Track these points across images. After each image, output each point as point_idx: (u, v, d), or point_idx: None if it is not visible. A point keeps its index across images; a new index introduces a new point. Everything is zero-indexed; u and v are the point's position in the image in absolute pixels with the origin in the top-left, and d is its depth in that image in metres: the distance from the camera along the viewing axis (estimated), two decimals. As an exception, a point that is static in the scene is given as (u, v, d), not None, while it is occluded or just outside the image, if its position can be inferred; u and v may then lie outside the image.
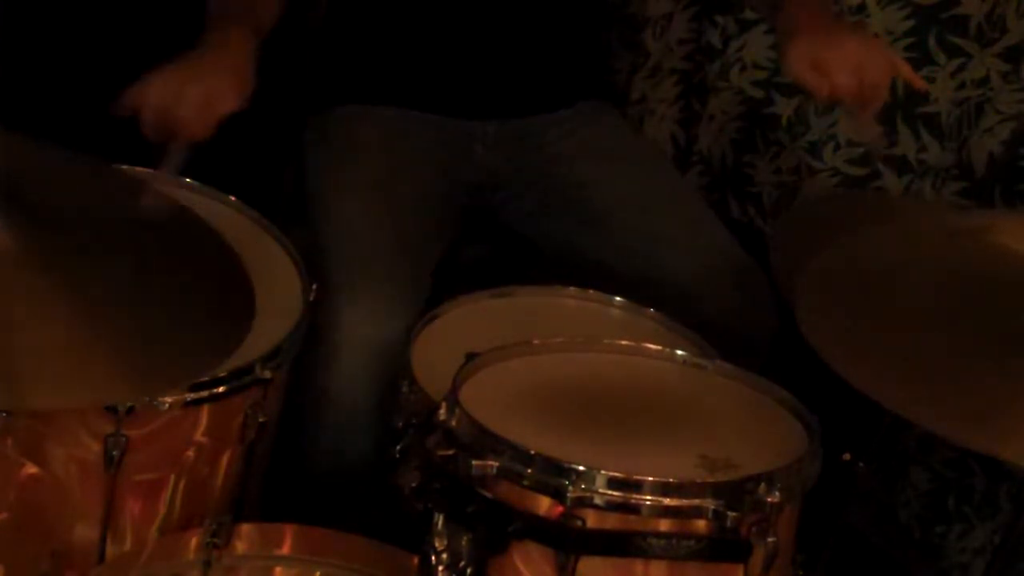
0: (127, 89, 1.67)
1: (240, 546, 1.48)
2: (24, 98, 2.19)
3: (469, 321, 1.72)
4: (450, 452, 1.35)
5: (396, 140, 1.95)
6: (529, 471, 1.32)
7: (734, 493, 1.32)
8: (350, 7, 2.03)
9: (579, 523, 1.31)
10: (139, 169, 1.64)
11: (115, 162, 1.62)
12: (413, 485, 1.38)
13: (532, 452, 1.32)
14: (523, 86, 2.05)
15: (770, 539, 1.33)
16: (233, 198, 1.81)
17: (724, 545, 1.32)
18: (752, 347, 1.87)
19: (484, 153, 2.05)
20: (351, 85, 2.04)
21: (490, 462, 1.33)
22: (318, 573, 1.49)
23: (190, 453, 1.56)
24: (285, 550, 1.50)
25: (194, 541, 1.48)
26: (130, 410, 1.48)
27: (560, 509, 1.31)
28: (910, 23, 2.27)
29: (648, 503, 1.31)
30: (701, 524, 1.32)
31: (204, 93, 1.66)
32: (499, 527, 1.33)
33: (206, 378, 1.51)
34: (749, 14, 2.38)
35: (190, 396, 1.51)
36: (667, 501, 1.31)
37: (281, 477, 1.75)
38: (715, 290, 1.89)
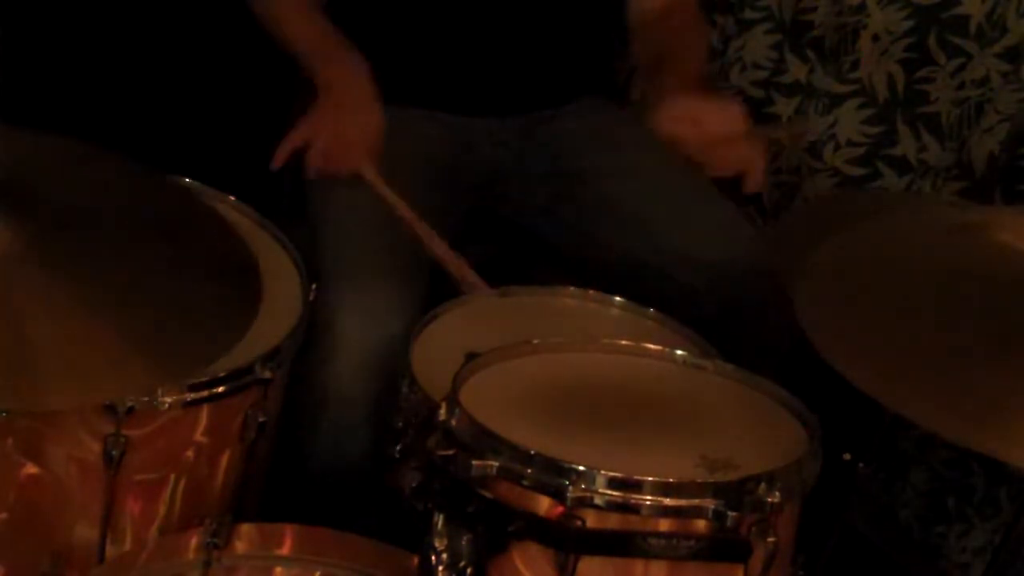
0: (286, 137, 1.86)
1: (240, 546, 1.48)
2: (28, 93, 2.19)
3: (469, 321, 1.72)
4: (450, 452, 1.34)
5: (398, 138, 1.95)
6: (529, 471, 1.32)
7: (734, 493, 1.31)
8: (352, 4, 2.03)
9: (579, 523, 1.30)
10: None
11: (120, 158, 1.62)
12: (413, 485, 1.38)
13: (532, 452, 1.32)
14: (527, 83, 2.05)
15: (770, 539, 1.33)
16: (233, 198, 1.81)
17: (724, 545, 1.32)
18: (766, 338, 1.87)
19: (488, 149, 2.05)
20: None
21: (490, 462, 1.33)
22: (318, 573, 1.48)
23: (190, 453, 1.56)
24: (285, 550, 1.50)
25: (194, 541, 1.48)
26: (130, 410, 1.48)
27: (560, 509, 1.31)
28: (910, 23, 2.27)
29: (648, 503, 1.31)
30: (701, 524, 1.32)
31: (360, 130, 1.87)
32: (499, 527, 1.33)
33: (206, 378, 1.51)
34: (749, 14, 2.38)
35: (190, 396, 1.51)
36: (667, 501, 1.31)
37: (281, 477, 1.75)
38: (729, 283, 1.88)
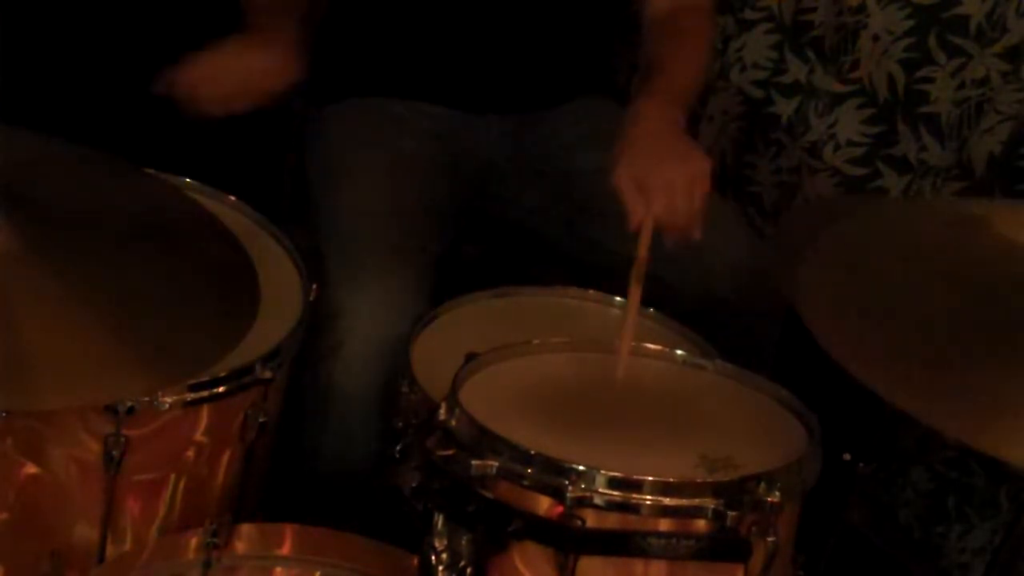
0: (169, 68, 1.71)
1: (240, 546, 1.48)
2: (27, 93, 2.19)
3: (469, 321, 1.72)
4: (450, 452, 1.35)
5: (397, 136, 1.95)
6: (529, 471, 1.32)
7: (734, 493, 1.32)
8: (352, 1, 2.03)
9: (579, 523, 1.31)
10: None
11: (120, 159, 1.62)
12: (413, 485, 1.38)
13: (532, 452, 1.32)
14: (526, 80, 2.05)
15: (770, 539, 1.33)
16: (233, 198, 1.81)
17: (724, 545, 1.32)
18: (761, 337, 1.87)
19: (486, 147, 2.05)
20: (353, 78, 2.04)
21: (490, 462, 1.33)
22: (318, 573, 1.48)
23: (190, 453, 1.56)
24: (285, 550, 1.50)
25: (194, 541, 1.48)
26: (130, 410, 1.48)
27: (560, 509, 1.31)
28: (910, 23, 2.27)
29: (648, 503, 1.31)
30: (701, 524, 1.32)
31: (249, 67, 1.73)
32: (499, 527, 1.33)
33: (206, 378, 1.51)
34: (749, 14, 2.38)
35: (190, 396, 1.51)
36: (667, 501, 1.31)
37: (281, 477, 1.75)
38: (724, 282, 1.88)
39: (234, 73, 1.75)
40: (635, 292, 1.62)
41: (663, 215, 1.68)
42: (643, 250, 1.65)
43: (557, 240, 2.04)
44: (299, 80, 1.78)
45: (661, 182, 1.68)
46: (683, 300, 1.80)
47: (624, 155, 1.72)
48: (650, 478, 1.31)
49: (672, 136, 1.78)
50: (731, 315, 1.84)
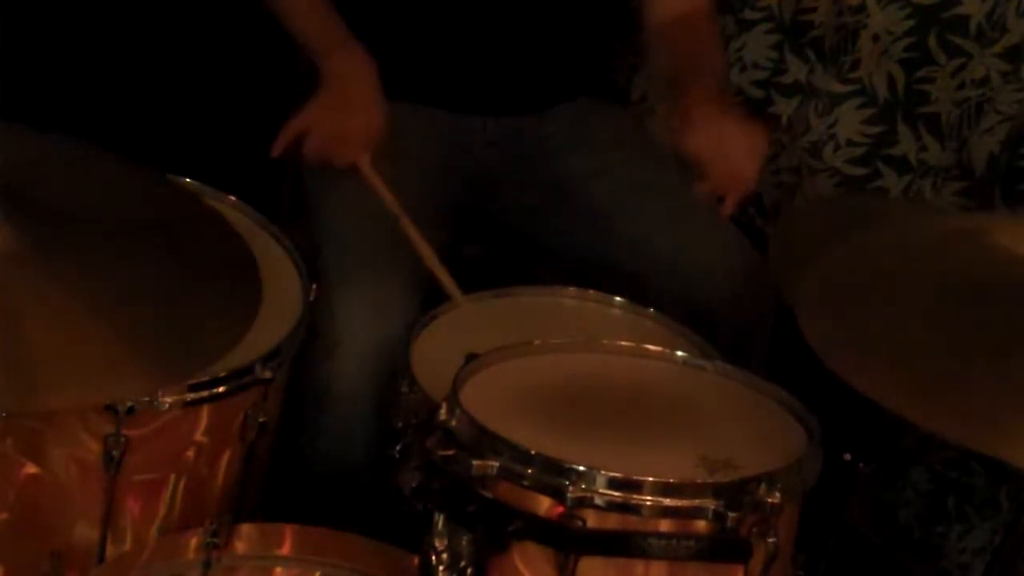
0: (287, 123, 1.84)
1: (240, 546, 1.48)
2: (28, 93, 2.19)
3: (469, 321, 1.72)
4: (450, 452, 1.34)
5: (394, 137, 1.95)
6: (529, 471, 1.32)
7: (734, 493, 1.32)
8: (352, 2, 2.03)
9: (579, 523, 1.30)
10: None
11: (120, 157, 1.62)
12: (413, 485, 1.37)
13: (532, 452, 1.32)
14: (524, 82, 2.05)
15: (770, 539, 1.33)
16: (233, 198, 1.81)
17: (724, 545, 1.32)
18: (755, 339, 1.87)
19: (482, 149, 2.05)
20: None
21: (490, 462, 1.33)
22: (318, 573, 1.48)
23: (190, 453, 1.56)
24: (285, 550, 1.50)
25: (194, 541, 1.48)
26: (130, 410, 1.48)
27: (560, 509, 1.31)
28: (910, 23, 2.27)
29: (648, 503, 1.31)
30: (701, 524, 1.32)
31: (362, 123, 1.86)
32: (499, 527, 1.33)
33: (206, 378, 1.51)
34: (749, 14, 2.38)
35: (190, 396, 1.51)
36: (667, 501, 1.31)
37: (281, 477, 1.75)
38: (718, 284, 1.88)
39: (353, 130, 1.86)
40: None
41: (737, 178, 1.81)
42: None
43: (553, 243, 2.04)
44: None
45: (728, 138, 1.81)
46: (676, 304, 1.80)
47: (687, 128, 1.82)
48: (650, 479, 1.31)
49: (726, 106, 1.88)
50: (724, 319, 1.84)
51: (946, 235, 1.52)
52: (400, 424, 1.53)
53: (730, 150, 1.80)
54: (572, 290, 1.82)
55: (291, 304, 1.67)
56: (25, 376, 1.22)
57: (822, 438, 1.43)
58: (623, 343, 1.59)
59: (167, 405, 1.49)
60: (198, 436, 1.56)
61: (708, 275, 1.89)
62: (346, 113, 1.86)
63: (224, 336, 1.35)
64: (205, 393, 1.52)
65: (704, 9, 2.03)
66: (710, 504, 1.31)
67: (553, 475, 1.31)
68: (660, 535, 1.31)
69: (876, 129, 2.34)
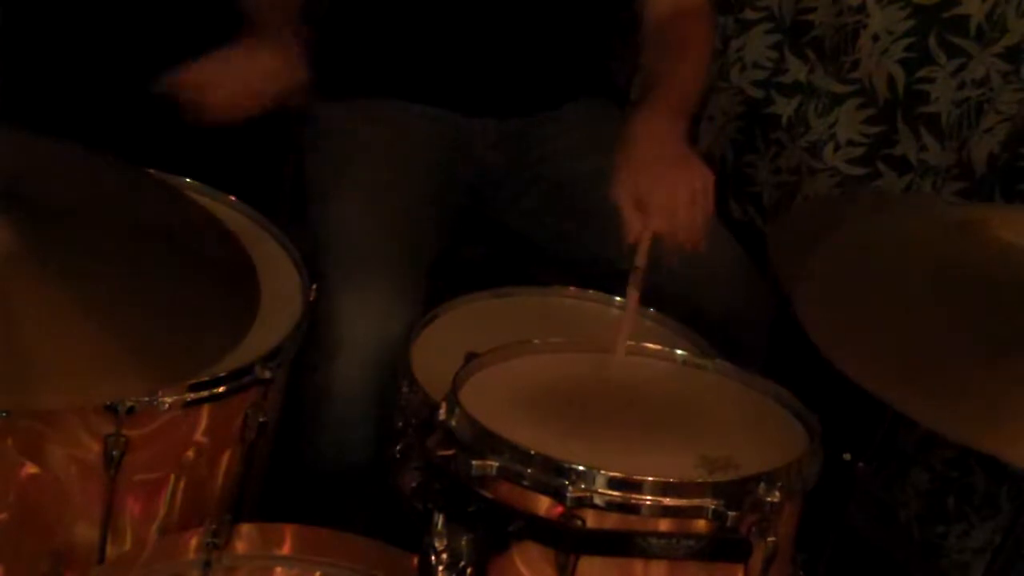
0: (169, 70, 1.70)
1: (240, 546, 1.48)
2: (27, 93, 2.19)
3: (469, 321, 1.72)
4: (450, 452, 1.34)
5: (395, 138, 1.95)
6: (529, 471, 1.32)
7: (734, 493, 1.31)
8: (355, 3, 2.03)
9: (579, 523, 1.30)
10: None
11: (120, 159, 1.62)
12: (413, 485, 1.38)
13: (532, 452, 1.32)
14: (524, 83, 2.05)
15: (770, 539, 1.33)
16: (233, 198, 1.81)
17: (724, 545, 1.32)
18: (751, 343, 1.87)
19: (483, 151, 2.05)
20: (351, 79, 2.04)
21: (490, 462, 1.33)
22: (318, 573, 1.48)
23: (190, 453, 1.56)
24: (285, 550, 1.50)
25: (194, 541, 1.48)
26: (130, 410, 1.48)
27: (560, 509, 1.31)
28: (910, 23, 2.27)
29: (648, 503, 1.31)
30: (701, 524, 1.32)
31: (253, 70, 1.72)
32: (499, 527, 1.33)
33: (206, 378, 1.51)
34: (749, 14, 2.38)
35: (190, 396, 1.51)
36: (667, 501, 1.31)
37: (281, 477, 1.75)
38: (714, 287, 1.88)
39: (238, 76, 1.73)
40: (632, 298, 1.62)
41: (664, 230, 1.67)
42: (641, 260, 1.65)
43: (552, 244, 2.04)
44: (303, 81, 1.77)
45: (662, 199, 1.67)
46: (675, 305, 1.80)
47: (623, 170, 1.71)
48: (650, 478, 1.31)
49: (673, 149, 1.76)
50: (722, 320, 1.83)
51: (946, 229, 1.51)
52: (400, 424, 1.53)
53: (660, 201, 1.67)
54: (572, 290, 1.82)
55: (291, 304, 1.67)
56: (25, 376, 1.22)
57: (822, 438, 1.43)
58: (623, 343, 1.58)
59: (167, 405, 1.49)
60: (198, 436, 1.56)
61: (706, 276, 1.89)
62: (233, 59, 1.74)
63: (224, 336, 1.35)
64: (205, 393, 1.52)
65: (701, 8, 2.03)
66: (710, 503, 1.31)
67: (553, 475, 1.31)
68: (660, 534, 1.31)
69: (876, 129, 2.34)
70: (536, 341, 1.56)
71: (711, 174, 1.72)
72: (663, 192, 1.67)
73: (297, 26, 1.83)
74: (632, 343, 1.58)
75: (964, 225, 1.51)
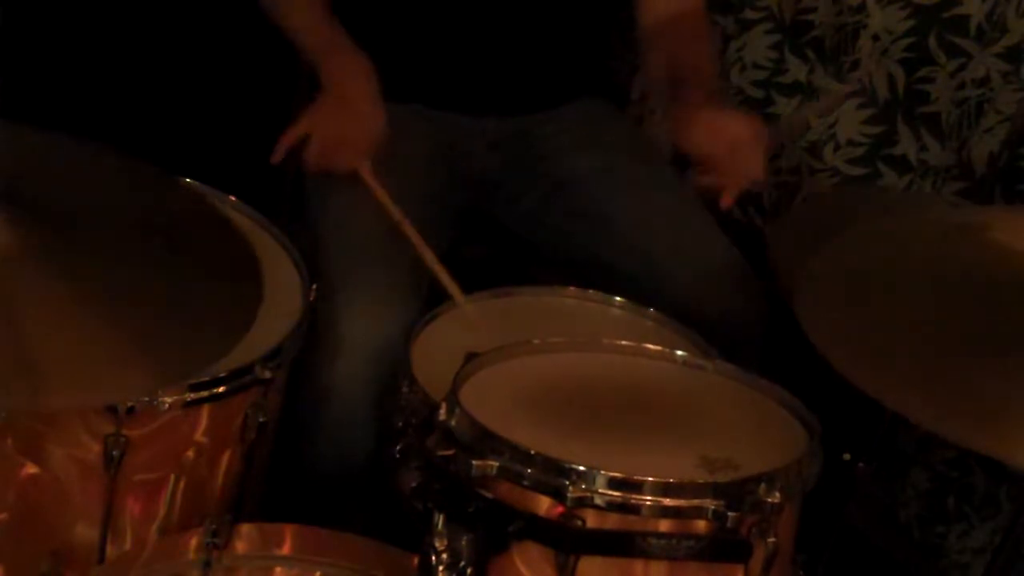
0: (287, 130, 1.83)
1: (240, 546, 1.48)
2: (28, 92, 2.19)
3: (469, 321, 1.72)
4: (450, 452, 1.34)
5: (395, 138, 1.95)
6: (529, 471, 1.32)
7: (734, 493, 1.31)
8: (353, 2, 2.03)
9: (579, 523, 1.30)
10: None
11: (121, 157, 1.62)
12: (413, 485, 1.38)
13: (532, 452, 1.32)
14: (523, 83, 2.05)
15: (770, 539, 1.33)
16: (233, 198, 1.81)
17: (724, 545, 1.32)
18: (748, 341, 1.87)
19: (482, 150, 2.05)
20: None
21: (490, 462, 1.33)
22: (318, 573, 1.48)
23: (190, 453, 1.56)
24: (285, 550, 1.50)
25: (194, 541, 1.48)
26: (130, 410, 1.48)
27: (560, 509, 1.31)
28: (910, 23, 2.27)
29: (648, 503, 1.31)
30: (701, 524, 1.32)
31: (361, 128, 1.86)
32: (499, 527, 1.33)
33: (206, 378, 1.51)
34: (749, 14, 2.38)
35: (190, 396, 1.51)
36: (667, 501, 1.31)
37: (281, 477, 1.75)
38: (710, 288, 1.89)
39: (351, 136, 1.85)
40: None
41: (730, 171, 1.80)
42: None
43: (552, 243, 2.04)
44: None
45: (729, 125, 1.81)
46: (674, 305, 1.80)
47: (689, 123, 1.83)
48: (650, 478, 1.31)
49: (720, 102, 1.90)
50: (720, 320, 1.83)
51: (946, 230, 1.51)
52: (400, 424, 1.53)
53: (732, 143, 1.79)
54: (572, 290, 1.82)
55: (291, 304, 1.67)
56: (26, 376, 1.22)
57: (822, 438, 1.43)
58: (623, 343, 1.58)
59: (167, 405, 1.49)
60: (198, 436, 1.56)
61: (705, 276, 1.89)
62: (346, 118, 1.86)
63: (224, 336, 1.35)
64: (205, 393, 1.52)
65: (697, 10, 2.04)
66: (710, 504, 1.31)
67: (553, 475, 1.31)
68: (660, 535, 1.31)
69: (876, 129, 2.34)
70: (536, 341, 1.56)
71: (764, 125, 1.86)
72: (738, 122, 1.82)
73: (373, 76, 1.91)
74: (632, 343, 1.58)
75: (964, 227, 1.51)
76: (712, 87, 1.92)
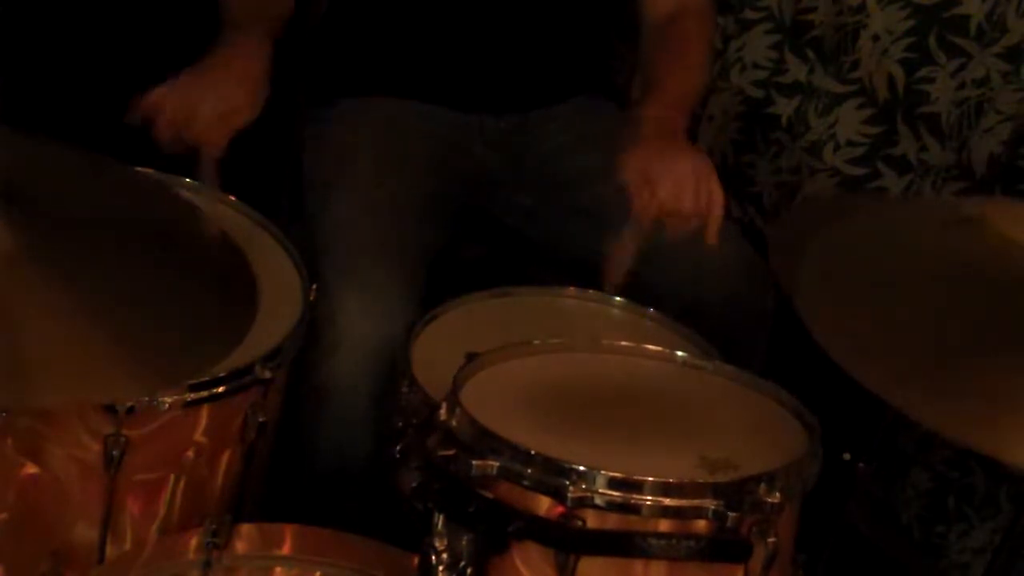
0: (140, 96, 1.69)
1: (240, 546, 1.48)
2: (28, 94, 2.19)
3: (469, 321, 1.72)
4: (450, 452, 1.34)
5: (394, 137, 1.95)
6: (529, 471, 1.32)
7: (734, 493, 1.31)
8: (350, 1, 2.03)
9: (579, 523, 1.30)
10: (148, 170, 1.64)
11: (120, 160, 1.62)
12: (413, 485, 1.37)
13: (532, 452, 1.32)
14: (522, 80, 2.05)
15: (770, 539, 1.33)
16: (233, 198, 1.81)
17: (724, 545, 1.32)
18: (754, 334, 1.87)
19: (481, 148, 2.05)
20: (351, 78, 2.04)
21: (490, 462, 1.33)
22: (318, 573, 1.48)
23: (190, 453, 1.56)
24: (285, 550, 1.50)
25: (194, 541, 1.48)
26: (130, 410, 1.48)
27: (560, 509, 1.31)
28: (910, 23, 2.27)
29: (648, 503, 1.31)
30: (701, 524, 1.32)
31: (219, 106, 1.70)
32: (499, 527, 1.33)
33: (206, 378, 1.51)
34: (749, 14, 2.38)
35: (190, 396, 1.51)
36: (667, 501, 1.31)
37: (281, 477, 1.75)
38: (715, 281, 1.88)
39: (208, 111, 1.71)
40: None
41: (669, 203, 1.72)
42: (639, 230, 1.73)
43: (551, 243, 2.04)
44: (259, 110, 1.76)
45: (667, 172, 1.73)
46: (674, 305, 1.80)
47: (632, 154, 1.76)
48: (651, 479, 1.31)
49: (679, 139, 1.83)
50: (721, 319, 1.84)
51: (944, 225, 1.51)
52: (400, 424, 1.53)
53: (675, 183, 1.73)
54: (572, 290, 1.82)
55: (291, 304, 1.67)
56: (25, 376, 1.22)
57: (822, 438, 1.43)
58: (623, 343, 1.59)
59: (167, 405, 1.49)
60: (198, 436, 1.56)
61: (706, 275, 1.89)
62: (200, 91, 1.71)
63: (224, 336, 1.35)
64: (205, 393, 1.52)
65: (702, 8, 2.03)
66: (710, 504, 1.31)
67: (553, 475, 1.31)
68: (660, 535, 1.31)
69: (876, 129, 2.34)
70: (536, 341, 1.56)
71: (709, 162, 1.77)
72: (671, 172, 1.73)
73: (276, 27, 1.82)
74: (632, 343, 1.58)
75: (965, 223, 1.51)
76: (673, 103, 1.86)
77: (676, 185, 1.72)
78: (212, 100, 1.71)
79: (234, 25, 1.81)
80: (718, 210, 1.74)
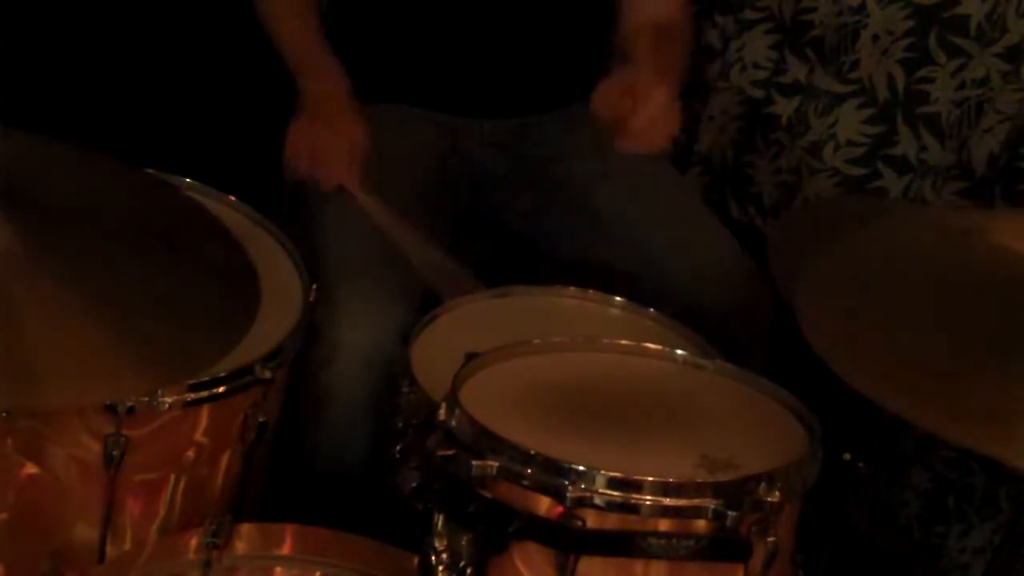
0: (286, 153, 1.88)
1: (240, 546, 1.48)
2: (27, 93, 2.19)
3: (469, 321, 1.72)
4: (450, 452, 1.34)
5: (394, 139, 1.95)
6: (529, 471, 1.32)
7: (734, 493, 1.31)
8: (352, 4, 2.03)
9: (579, 523, 1.30)
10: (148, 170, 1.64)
11: (121, 159, 1.62)
12: (413, 485, 1.38)
13: (532, 452, 1.32)
14: (522, 84, 2.05)
15: (770, 539, 1.33)
16: (233, 198, 1.81)
17: (724, 545, 1.32)
18: (752, 341, 1.87)
19: (481, 152, 2.05)
20: (351, 81, 2.04)
21: (490, 462, 1.33)
22: (318, 573, 1.49)
23: (190, 453, 1.56)
24: (285, 550, 1.50)
25: (194, 541, 1.48)
26: (130, 410, 1.48)
27: (560, 509, 1.31)
28: (910, 23, 2.27)
29: (648, 503, 1.31)
30: (701, 524, 1.32)
31: (338, 145, 1.87)
32: (499, 527, 1.33)
33: (206, 378, 1.51)
34: (749, 14, 2.38)
35: (190, 396, 1.51)
36: (667, 501, 1.31)
37: (281, 477, 1.75)
38: (714, 286, 1.89)
39: (338, 152, 1.87)
40: None
41: (638, 127, 1.77)
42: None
43: (551, 244, 2.05)
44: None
45: (650, 100, 1.78)
46: (673, 305, 1.80)
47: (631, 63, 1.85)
48: (650, 478, 1.31)
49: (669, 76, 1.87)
50: (721, 320, 1.84)
51: (945, 233, 1.51)
52: (400, 424, 1.53)
53: (641, 105, 1.78)
54: (572, 290, 1.82)
55: (291, 304, 1.67)
56: (25, 375, 1.22)
57: (822, 438, 1.43)
58: (623, 343, 1.59)
59: (167, 405, 1.49)
60: (198, 436, 1.56)
61: (705, 276, 1.90)
62: (324, 134, 1.87)
63: (224, 336, 1.35)
64: (205, 393, 1.52)
65: (679, 21, 2.03)
66: (710, 503, 1.31)
67: (553, 475, 1.31)
68: (660, 535, 1.31)
69: (876, 129, 2.34)
70: (536, 341, 1.56)
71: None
72: (654, 103, 1.78)
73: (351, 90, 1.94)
74: (632, 343, 1.58)
75: (964, 229, 1.51)
76: (661, 51, 1.91)
77: (650, 121, 1.77)
78: (333, 140, 1.87)
79: (305, 65, 1.96)
80: (662, 142, 1.81)
